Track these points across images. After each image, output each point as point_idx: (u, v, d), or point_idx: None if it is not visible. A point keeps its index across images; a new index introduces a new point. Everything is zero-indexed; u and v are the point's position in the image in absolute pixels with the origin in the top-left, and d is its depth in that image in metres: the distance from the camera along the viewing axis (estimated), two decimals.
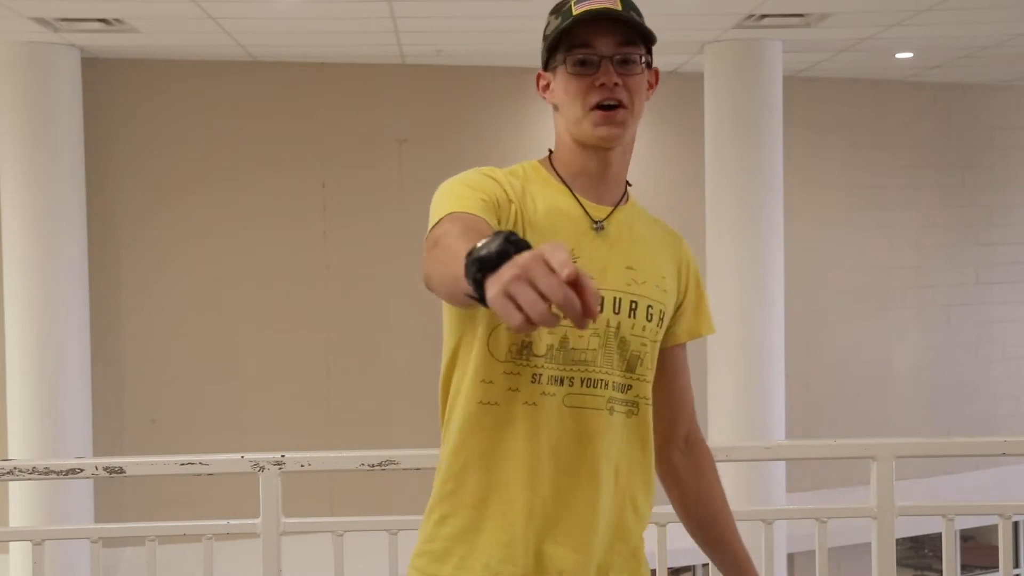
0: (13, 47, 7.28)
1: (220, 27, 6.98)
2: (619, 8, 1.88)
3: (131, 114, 8.22)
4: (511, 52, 8.19)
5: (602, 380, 1.89)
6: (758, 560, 2.94)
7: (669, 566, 3.00)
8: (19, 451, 7.28)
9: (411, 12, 6.57)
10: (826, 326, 9.74)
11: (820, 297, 9.69)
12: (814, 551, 3.02)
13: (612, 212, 1.96)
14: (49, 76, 7.39)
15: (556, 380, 1.86)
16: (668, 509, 2.96)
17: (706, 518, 2.13)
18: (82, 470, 2.90)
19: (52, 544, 3.02)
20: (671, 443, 2.12)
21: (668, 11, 6.83)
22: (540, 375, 1.85)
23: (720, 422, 7.71)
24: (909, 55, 8.61)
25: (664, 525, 2.93)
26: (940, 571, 3.11)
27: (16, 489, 7.26)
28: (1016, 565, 10.04)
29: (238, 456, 2.88)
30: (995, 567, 3.09)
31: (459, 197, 1.82)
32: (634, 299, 1.92)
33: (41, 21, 6.74)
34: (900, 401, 10.07)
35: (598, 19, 1.87)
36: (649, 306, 1.94)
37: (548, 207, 1.91)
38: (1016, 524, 9.27)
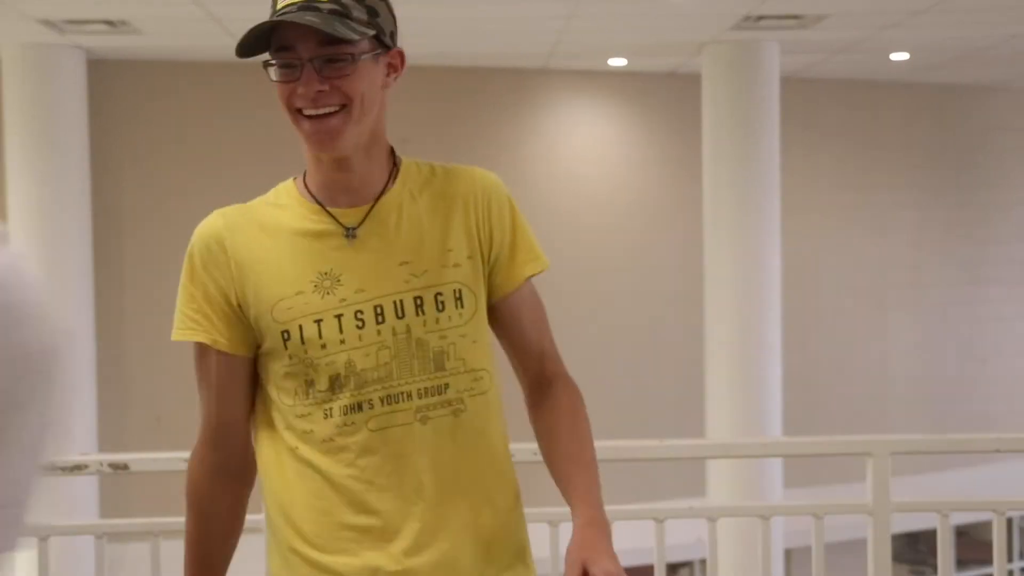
0: (19, 49, 7.31)
1: (224, 28, 7.01)
2: (320, 4, 1.70)
3: (135, 115, 8.25)
4: (511, 52, 8.22)
5: (403, 392, 1.77)
6: (755, 556, 2.99)
7: (667, 561, 3.03)
8: None
9: (411, 13, 6.57)
10: (823, 324, 9.77)
11: (817, 296, 9.72)
12: (811, 547, 3.05)
13: (371, 210, 1.82)
14: (55, 77, 7.43)
15: (352, 408, 1.76)
16: (667, 504, 3.01)
17: (554, 454, 1.88)
18: (87, 466, 2.92)
19: (57, 540, 3.05)
20: (527, 387, 1.95)
21: (666, 13, 6.87)
22: (331, 409, 1.77)
23: (718, 419, 7.75)
24: (905, 56, 8.64)
25: (662, 521, 2.97)
26: (935, 566, 3.15)
27: None
28: (1010, 560, 10.08)
29: None
30: (989, 562, 3.12)
31: (196, 320, 1.85)
32: (417, 295, 1.78)
33: (47, 23, 6.78)
34: (896, 398, 10.11)
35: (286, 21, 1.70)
36: (437, 294, 1.80)
37: (298, 231, 1.81)
38: (1010, 520, 9.31)
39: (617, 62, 8.56)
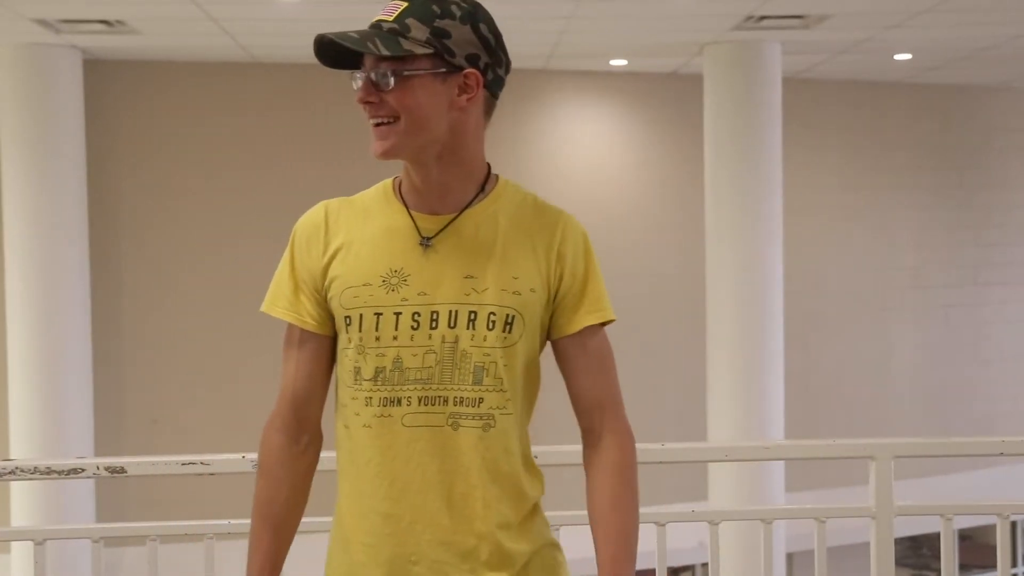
0: (15, 49, 7.30)
1: (221, 28, 7.00)
2: (383, 23, 1.88)
3: (132, 115, 8.24)
4: (511, 52, 8.19)
5: (441, 397, 1.90)
6: (756, 559, 2.96)
7: (668, 565, 3.01)
8: (21, 451, 7.29)
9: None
10: (825, 326, 9.76)
11: (819, 297, 9.70)
12: (813, 551, 3.03)
13: (451, 221, 1.94)
14: (51, 78, 7.42)
15: (391, 401, 1.90)
16: (668, 508, 2.98)
17: (590, 513, 1.98)
18: (83, 470, 2.90)
19: (54, 544, 3.02)
20: (583, 435, 2.03)
21: (667, 13, 6.85)
22: (371, 398, 1.91)
23: (720, 422, 7.73)
24: (907, 56, 8.62)
25: (664, 525, 2.94)
26: (938, 570, 3.12)
27: (18, 489, 7.28)
28: (1014, 564, 10.06)
29: (239, 456, 2.89)
30: (993, 566, 3.10)
31: (288, 299, 2.00)
32: (472, 309, 1.89)
33: (43, 23, 6.76)
34: (898, 401, 10.09)
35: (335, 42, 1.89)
36: (491, 314, 1.90)
37: (382, 228, 1.96)
38: (1014, 524, 9.29)
39: (618, 62, 8.54)
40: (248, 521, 2.89)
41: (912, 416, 10.04)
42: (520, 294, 1.92)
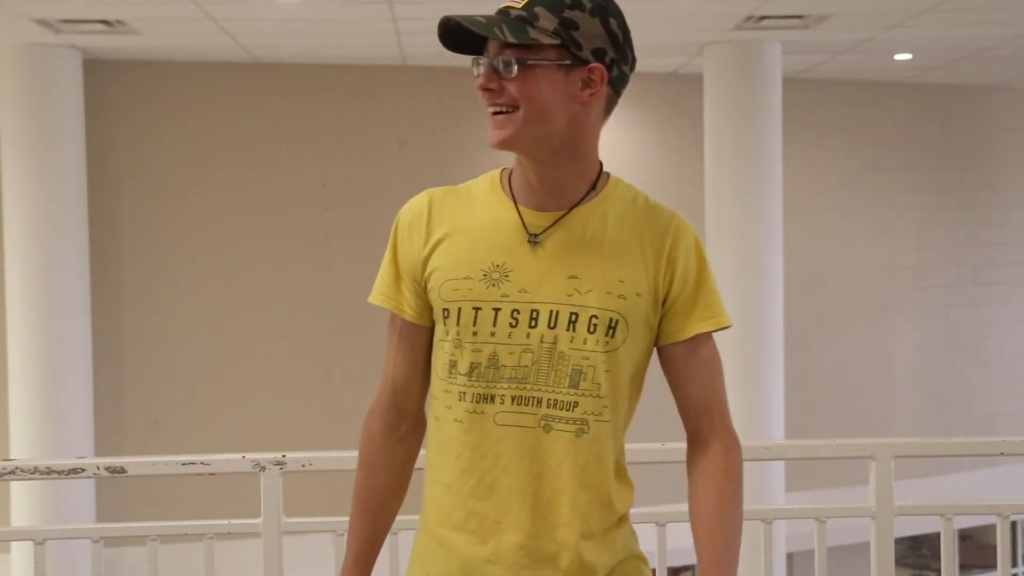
0: (15, 49, 7.30)
1: (221, 28, 6.99)
2: (511, 9, 1.83)
3: (132, 115, 8.24)
4: None
5: (534, 398, 1.85)
6: (757, 559, 2.96)
7: (669, 565, 3.01)
8: (21, 451, 7.29)
9: (411, 13, 6.58)
10: (825, 326, 9.75)
11: (819, 297, 9.70)
12: (813, 550, 3.03)
13: (559, 219, 1.88)
14: (51, 78, 7.41)
15: (484, 398, 1.86)
16: (666, 509, 2.98)
17: (693, 521, 1.96)
18: (84, 470, 2.90)
19: (54, 544, 3.02)
20: (688, 442, 2.01)
21: (667, 13, 6.85)
22: (465, 393, 1.87)
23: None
24: (908, 56, 8.62)
25: (664, 524, 2.94)
26: (938, 571, 3.12)
27: (18, 489, 7.28)
28: (1014, 565, 10.06)
29: (239, 456, 2.89)
30: (993, 566, 3.10)
31: (389, 287, 1.98)
32: (574, 311, 1.85)
33: (43, 23, 6.76)
34: (899, 401, 10.09)
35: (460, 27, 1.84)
36: (592, 316, 1.84)
37: (487, 221, 1.90)
38: (1014, 524, 9.29)
39: None
40: (248, 521, 2.92)
41: (912, 416, 10.04)
42: (625, 298, 1.87)
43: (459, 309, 1.86)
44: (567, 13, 1.81)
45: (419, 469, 2.05)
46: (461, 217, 1.92)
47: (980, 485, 9.61)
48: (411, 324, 1.96)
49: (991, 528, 3.08)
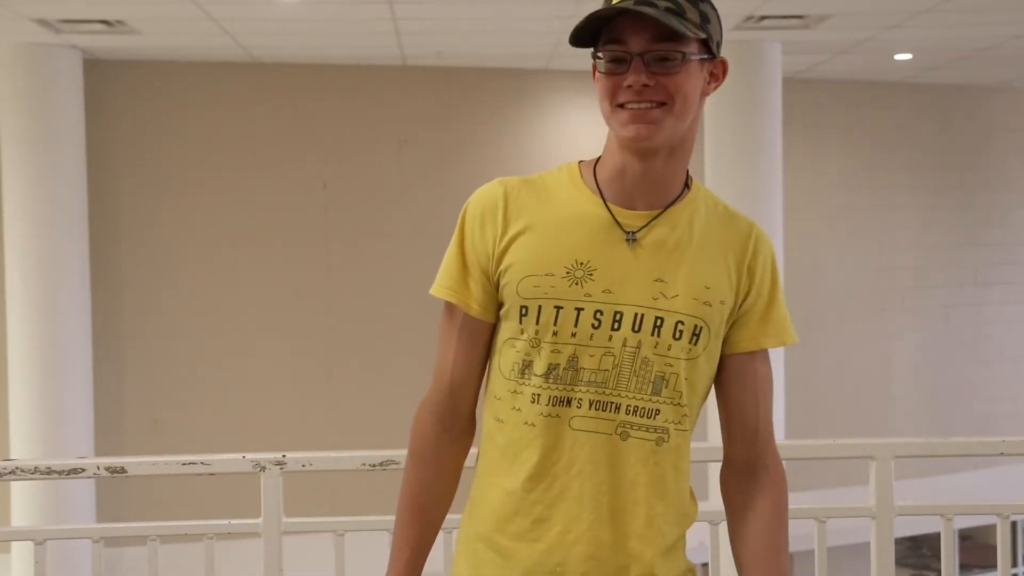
0: (15, 49, 7.30)
1: (221, 28, 6.99)
2: (657, 1, 1.72)
3: (132, 115, 8.24)
4: (511, 54, 8.20)
5: (613, 403, 1.77)
6: None
7: None
8: (21, 451, 7.29)
9: (412, 13, 6.58)
10: (825, 326, 9.75)
11: (819, 297, 9.69)
12: (813, 551, 3.03)
13: (654, 219, 1.82)
14: (51, 78, 7.41)
15: (560, 401, 1.77)
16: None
17: (744, 551, 1.90)
18: (84, 470, 2.90)
19: (54, 544, 3.02)
20: (729, 461, 1.95)
21: None
22: (539, 395, 1.78)
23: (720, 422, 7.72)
24: (908, 56, 8.62)
25: None
26: (938, 571, 3.12)
27: (18, 489, 7.28)
28: (1014, 565, 10.06)
29: (239, 456, 2.89)
30: (993, 567, 3.10)
31: (455, 280, 1.85)
32: (659, 315, 1.78)
33: (43, 23, 6.75)
34: (899, 401, 10.08)
35: (628, 12, 1.72)
36: (679, 322, 1.78)
37: (569, 215, 1.81)
38: (1014, 524, 9.29)
39: None
40: (248, 521, 2.92)
41: (912, 416, 10.03)
42: (710, 305, 1.81)
43: (539, 307, 1.77)
44: (701, 6, 1.77)
45: (468, 468, 1.98)
46: (541, 210, 1.83)
47: (980, 485, 9.60)
48: (475, 320, 1.85)
49: (991, 528, 3.08)
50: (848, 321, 9.89)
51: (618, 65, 1.76)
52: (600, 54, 1.78)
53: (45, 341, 7.37)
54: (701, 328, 1.80)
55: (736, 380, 1.89)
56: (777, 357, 7.69)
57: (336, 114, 8.46)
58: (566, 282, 1.77)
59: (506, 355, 1.82)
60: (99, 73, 7.99)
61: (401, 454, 2.87)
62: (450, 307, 1.88)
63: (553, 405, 1.78)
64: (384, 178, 8.53)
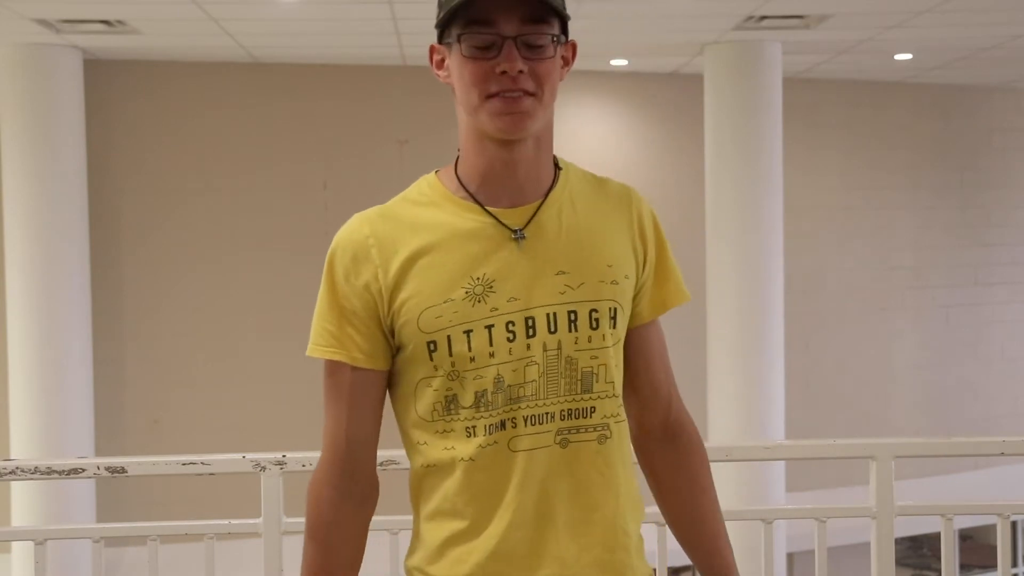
0: (15, 49, 7.30)
1: (222, 28, 6.99)
2: None
3: (133, 115, 8.24)
4: None
5: (546, 413, 1.65)
6: (757, 560, 2.96)
7: (669, 565, 3.01)
8: (21, 451, 7.29)
9: (412, 13, 6.58)
10: (825, 326, 9.75)
11: (819, 297, 9.70)
12: (813, 551, 3.03)
13: (536, 210, 1.70)
14: (51, 78, 7.41)
15: (496, 427, 1.64)
16: None
17: (683, 516, 1.84)
18: (84, 470, 2.90)
19: (54, 544, 3.02)
20: (646, 432, 1.85)
21: (668, 13, 6.85)
22: (474, 427, 1.65)
23: (720, 422, 7.73)
24: (908, 56, 8.62)
25: (664, 524, 2.94)
26: (939, 570, 3.12)
27: (18, 489, 7.28)
28: (1014, 565, 10.05)
29: (240, 456, 2.89)
30: (993, 566, 3.10)
31: (332, 335, 1.69)
32: (571, 309, 1.66)
33: (43, 23, 6.75)
34: (899, 401, 10.09)
35: None
36: (592, 310, 1.67)
37: (450, 232, 1.67)
38: (1014, 524, 9.29)
39: (619, 62, 8.54)
40: (248, 521, 2.92)
41: (912, 416, 10.04)
42: (617, 283, 1.70)
43: (448, 337, 1.63)
44: None
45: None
46: (417, 236, 1.68)
47: (980, 485, 9.60)
48: (364, 371, 1.69)
49: (991, 528, 3.08)
50: (848, 321, 9.90)
51: (486, 51, 1.61)
52: (462, 37, 1.62)
53: (45, 341, 7.37)
54: (616, 309, 1.70)
55: (644, 350, 1.80)
56: (777, 357, 7.70)
57: (336, 114, 8.46)
58: (468, 303, 1.64)
59: (423, 397, 1.68)
60: (99, 73, 7.99)
61: (401, 454, 2.87)
62: (332, 365, 1.71)
63: (490, 433, 1.65)
64: (384, 178, 8.52)
